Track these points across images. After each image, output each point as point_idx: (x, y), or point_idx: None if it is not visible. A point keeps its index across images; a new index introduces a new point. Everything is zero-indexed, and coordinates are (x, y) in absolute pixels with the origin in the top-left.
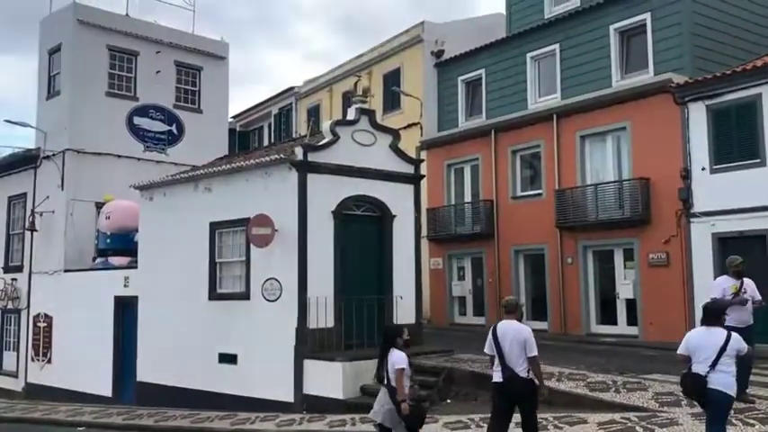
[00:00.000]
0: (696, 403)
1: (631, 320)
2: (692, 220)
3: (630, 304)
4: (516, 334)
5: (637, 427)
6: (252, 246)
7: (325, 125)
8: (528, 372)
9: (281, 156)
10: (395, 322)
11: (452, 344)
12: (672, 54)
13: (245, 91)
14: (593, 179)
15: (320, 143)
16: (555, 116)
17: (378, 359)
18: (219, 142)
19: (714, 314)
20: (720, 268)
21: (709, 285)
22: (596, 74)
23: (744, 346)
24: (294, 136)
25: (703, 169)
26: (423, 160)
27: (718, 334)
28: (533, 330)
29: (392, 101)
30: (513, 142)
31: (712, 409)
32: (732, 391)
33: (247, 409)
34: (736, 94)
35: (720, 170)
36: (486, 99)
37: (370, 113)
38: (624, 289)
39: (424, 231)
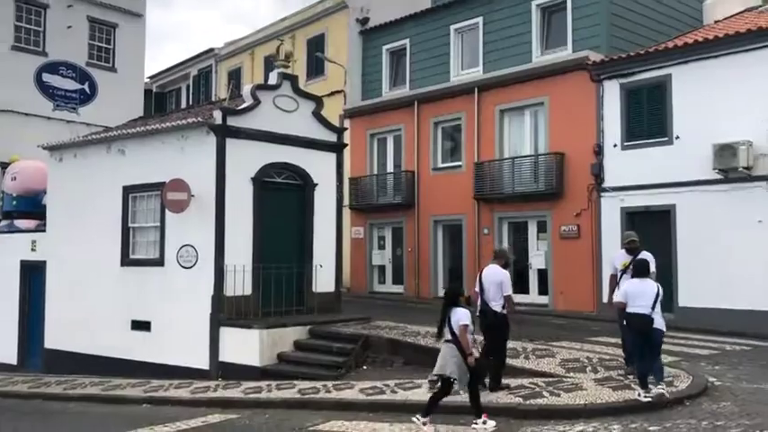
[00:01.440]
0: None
1: (542, 290)
2: (602, 194)
3: (542, 274)
4: (494, 276)
5: (544, 392)
6: (167, 211)
7: (246, 89)
8: (503, 307)
9: (199, 119)
10: (314, 291)
11: (371, 312)
12: (590, 32)
13: (162, 50)
14: (511, 153)
15: (240, 107)
16: (476, 89)
17: (440, 318)
18: (134, 103)
19: (644, 268)
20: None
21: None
22: (517, 49)
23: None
24: (214, 99)
25: (615, 146)
26: (346, 129)
27: (651, 284)
28: None
29: (316, 67)
30: (435, 114)
31: (654, 345)
32: (665, 328)
33: (161, 377)
34: (648, 73)
35: (631, 147)
36: (409, 69)
37: (292, 79)
38: (537, 259)
39: (345, 200)
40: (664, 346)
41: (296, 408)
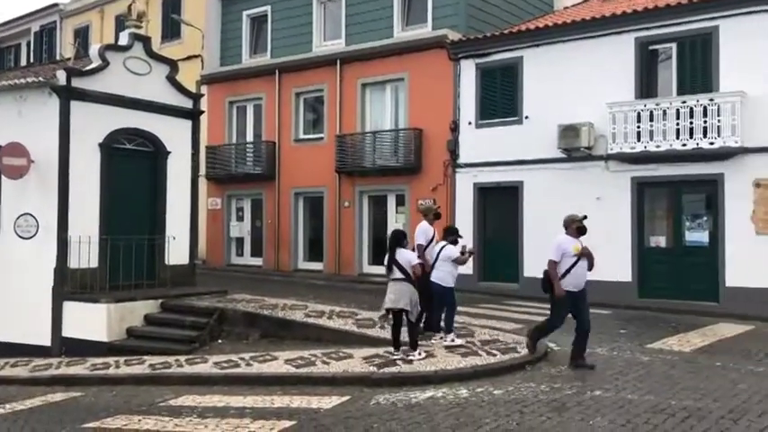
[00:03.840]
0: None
1: None
2: (457, 170)
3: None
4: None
5: (397, 360)
6: (3, 177)
7: (94, 49)
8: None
9: (40, 78)
10: (167, 263)
11: (228, 285)
12: (449, 11)
13: None
14: (372, 127)
15: (87, 68)
16: (339, 61)
17: (388, 258)
18: None
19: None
20: (480, 214)
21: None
22: (380, 23)
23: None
24: (58, 58)
25: (470, 123)
26: (203, 95)
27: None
28: (310, 271)
29: (171, 29)
30: (297, 84)
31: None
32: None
33: None
34: (501, 55)
35: (484, 125)
36: (271, 37)
37: (145, 40)
38: None
39: (202, 170)
40: (509, 314)
41: (146, 383)
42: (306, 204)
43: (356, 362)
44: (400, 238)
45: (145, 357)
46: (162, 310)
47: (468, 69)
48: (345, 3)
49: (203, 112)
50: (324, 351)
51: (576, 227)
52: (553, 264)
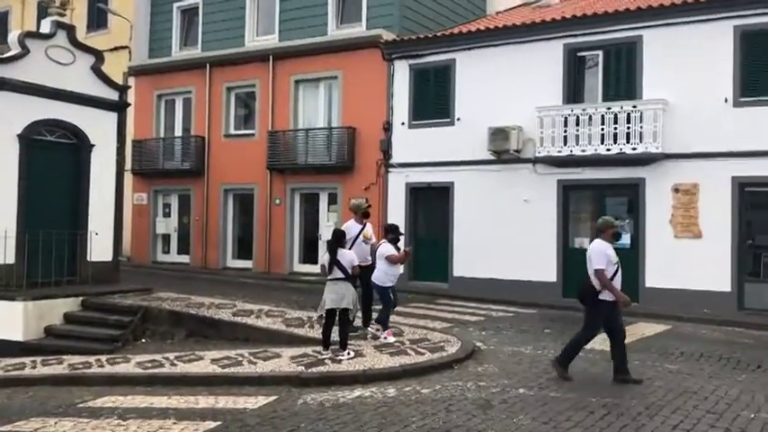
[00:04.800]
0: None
1: None
2: (390, 170)
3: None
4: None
5: (326, 360)
6: None
7: (13, 35)
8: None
9: None
10: (89, 260)
11: (154, 282)
12: (383, 11)
13: None
14: (305, 124)
15: (5, 55)
16: (272, 57)
17: (330, 258)
18: None
19: None
20: (412, 214)
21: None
22: (314, 20)
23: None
24: None
25: (403, 124)
26: (129, 87)
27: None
28: (239, 269)
29: (98, 19)
30: (228, 79)
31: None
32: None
33: None
34: (435, 56)
35: (417, 126)
36: (202, 30)
37: (69, 29)
38: (327, 231)
39: (127, 164)
40: (438, 313)
41: (64, 384)
42: (236, 201)
43: (284, 361)
44: (341, 238)
45: (64, 357)
46: (83, 309)
47: (402, 70)
48: None
49: (130, 104)
50: (251, 351)
51: (612, 232)
52: (602, 272)
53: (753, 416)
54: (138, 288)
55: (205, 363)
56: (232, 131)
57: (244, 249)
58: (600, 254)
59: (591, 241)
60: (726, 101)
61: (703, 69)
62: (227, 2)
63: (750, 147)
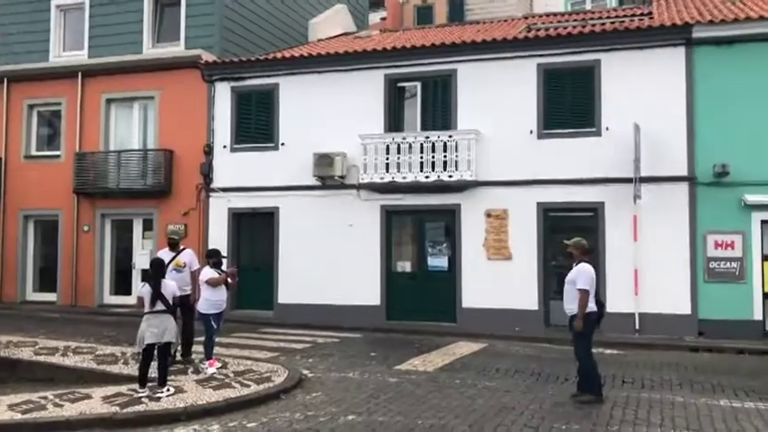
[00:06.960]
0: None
1: None
2: (211, 194)
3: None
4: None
5: (143, 398)
6: None
7: None
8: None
9: None
10: None
11: None
12: (203, 31)
13: None
14: (117, 146)
15: None
16: (80, 74)
17: (153, 290)
18: None
19: None
20: (235, 240)
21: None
22: (128, 37)
23: None
24: None
25: (225, 147)
26: None
27: None
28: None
29: None
30: (30, 95)
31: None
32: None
33: None
34: (258, 80)
35: (240, 150)
36: (0, 42)
37: None
38: (141, 259)
39: None
40: (263, 342)
41: None
42: (37, 228)
43: (96, 402)
44: (161, 267)
45: None
46: None
47: (224, 92)
48: (89, 12)
49: None
50: (57, 392)
51: (588, 253)
52: (586, 293)
53: (564, 427)
54: None
55: (1, 409)
56: (33, 152)
57: (46, 281)
58: (589, 277)
59: (567, 262)
60: (531, 132)
61: (511, 103)
62: (29, 13)
63: (552, 175)
